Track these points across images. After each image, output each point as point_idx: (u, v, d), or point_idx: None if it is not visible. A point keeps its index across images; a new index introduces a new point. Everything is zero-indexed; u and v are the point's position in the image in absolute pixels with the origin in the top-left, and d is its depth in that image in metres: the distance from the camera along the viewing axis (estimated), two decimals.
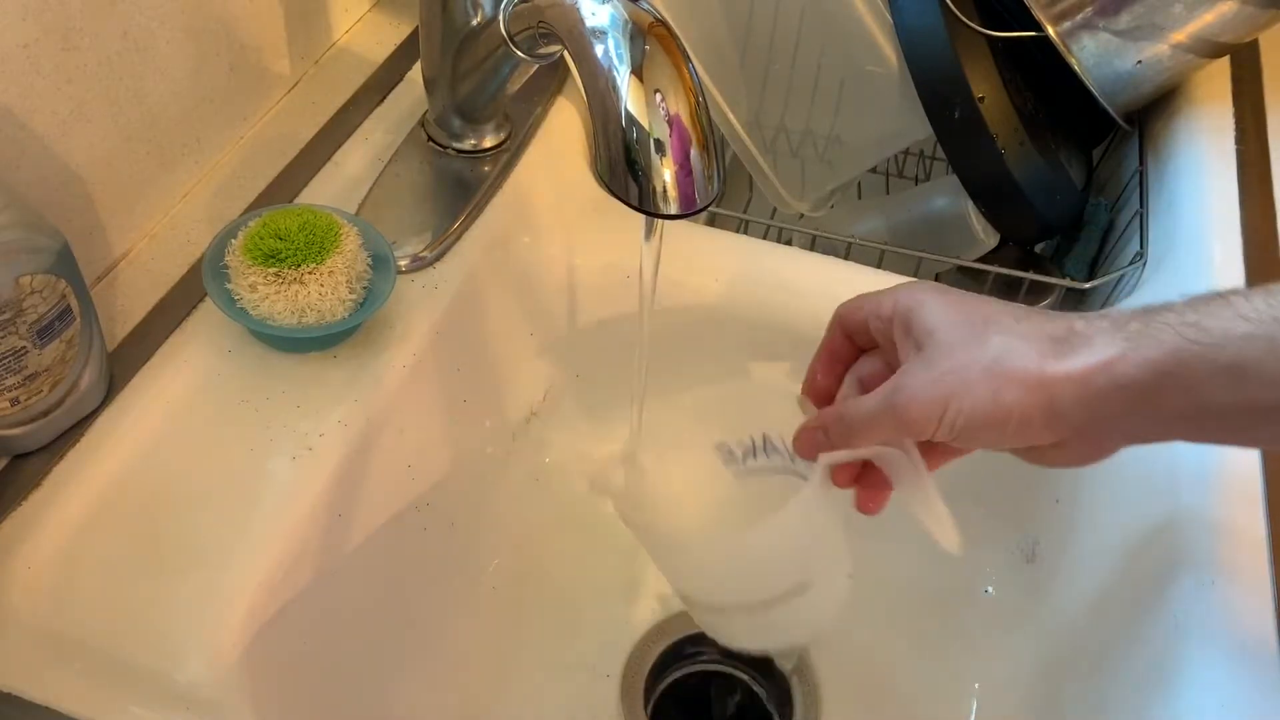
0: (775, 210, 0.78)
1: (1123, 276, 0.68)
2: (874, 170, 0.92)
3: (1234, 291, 0.38)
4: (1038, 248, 0.79)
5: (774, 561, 0.48)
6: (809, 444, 0.44)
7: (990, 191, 0.70)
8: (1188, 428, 0.39)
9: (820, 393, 0.47)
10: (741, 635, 0.53)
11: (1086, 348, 0.38)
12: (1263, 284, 0.38)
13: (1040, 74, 0.71)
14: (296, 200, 0.62)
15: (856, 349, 0.46)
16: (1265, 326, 0.36)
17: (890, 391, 0.41)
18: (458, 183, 0.65)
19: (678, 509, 0.51)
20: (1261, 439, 0.40)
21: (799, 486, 0.47)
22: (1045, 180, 0.69)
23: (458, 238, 0.62)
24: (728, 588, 0.50)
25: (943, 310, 0.41)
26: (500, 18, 0.55)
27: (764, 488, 0.50)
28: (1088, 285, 0.69)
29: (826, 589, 0.49)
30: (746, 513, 0.49)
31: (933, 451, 0.44)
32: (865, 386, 0.45)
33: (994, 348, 0.39)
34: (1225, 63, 0.75)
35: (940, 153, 0.77)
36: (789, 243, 0.77)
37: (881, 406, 0.41)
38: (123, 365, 0.53)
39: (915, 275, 0.68)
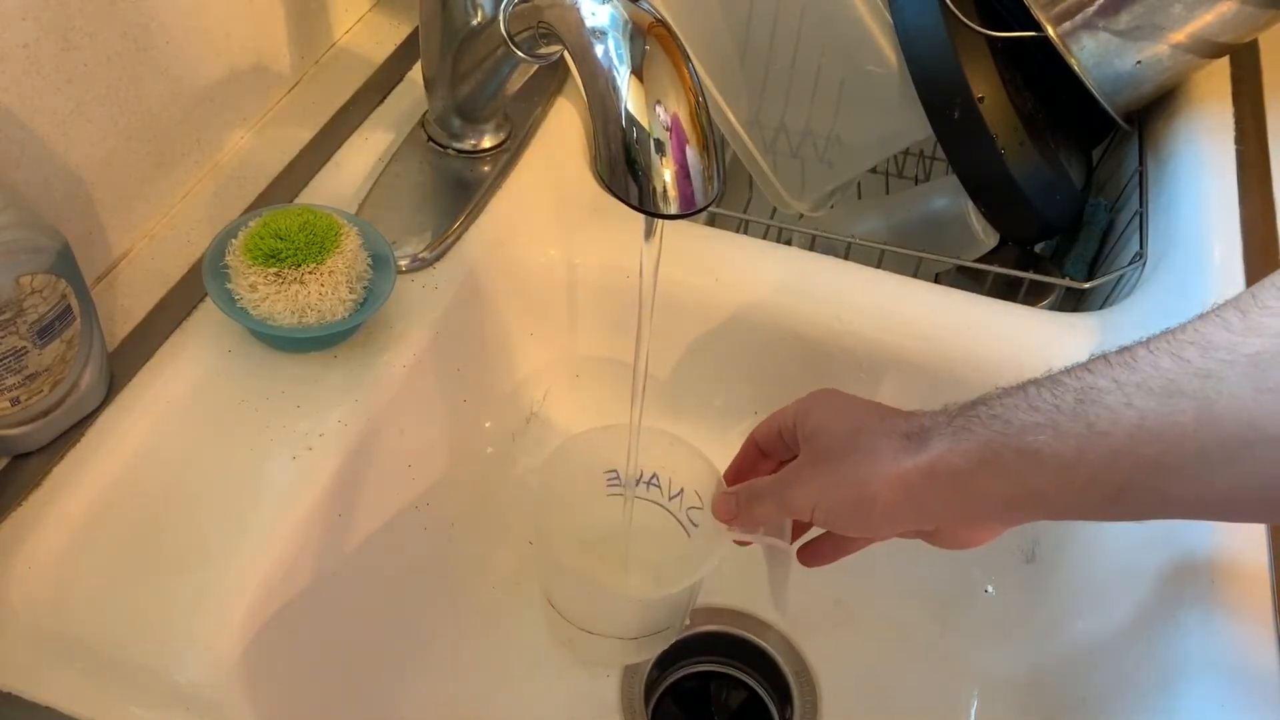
0: (775, 210, 0.79)
1: (1122, 276, 0.68)
2: (874, 170, 0.92)
3: (1032, 381, 0.43)
4: (1037, 248, 0.79)
5: (654, 616, 0.60)
6: (723, 507, 0.54)
7: (990, 191, 0.70)
8: (1030, 509, 0.43)
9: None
10: (601, 655, 0.65)
11: (929, 444, 0.44)
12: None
13: (1040, 74, 0.71)
14: (296, 200, 0.62)
15: (771, 462, 0.54)
16: (1048, 415, 0.41)
17: (780, 477, 0.50)
18: (458, 183, 0.65)
19: (568, 516, 0.60)
20: (1101, 516, 0.44)
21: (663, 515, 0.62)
22: (1045, 180, 0.69)
23: (458, 238, 0.62)
24: (609, 625, 0.61)
25: (824, 416, 0.49)
26: (500, 18, 0.55)
27: (636, 511, 0.62)
28: (1087, 285, 0.69)
29: (674, 631, 0.62)
30: (617, 528, 0.62)
31: (841, 541, 0.53)
32: None
33: (862, 448, 0.46)
34: (1225, 63, 0.75)
35: (940, 153, 0.77)
36: (789, 243, 0.77)
37: (772, 486, 0.50)
38: (123, 365, 0.53)
39: (915, 275, 0.68)
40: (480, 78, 0.61)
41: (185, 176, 0.61)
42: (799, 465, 0.49)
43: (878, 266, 0.67)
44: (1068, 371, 0.42)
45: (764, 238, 0.78)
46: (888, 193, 0.93)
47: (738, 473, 0.56)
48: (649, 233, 0.48)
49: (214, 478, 0.50)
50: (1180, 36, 0.68)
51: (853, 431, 0.47)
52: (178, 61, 0.58)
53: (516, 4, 0.53)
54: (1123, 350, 0.40)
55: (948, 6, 0.67)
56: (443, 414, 0.61)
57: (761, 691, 0.67)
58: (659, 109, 0.43)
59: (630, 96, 0.43)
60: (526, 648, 0.65)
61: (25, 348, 0.46)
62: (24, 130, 0.50)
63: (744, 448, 0.55)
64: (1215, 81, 0.74)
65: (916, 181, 0.92)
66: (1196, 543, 0.51)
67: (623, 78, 0.43)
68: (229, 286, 0.53)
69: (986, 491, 0.43)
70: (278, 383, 0.54)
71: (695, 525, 0.62)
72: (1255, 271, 0.61)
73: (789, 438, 0.51)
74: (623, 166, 0.43)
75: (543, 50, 0.55)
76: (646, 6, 0.44)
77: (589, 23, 0.45)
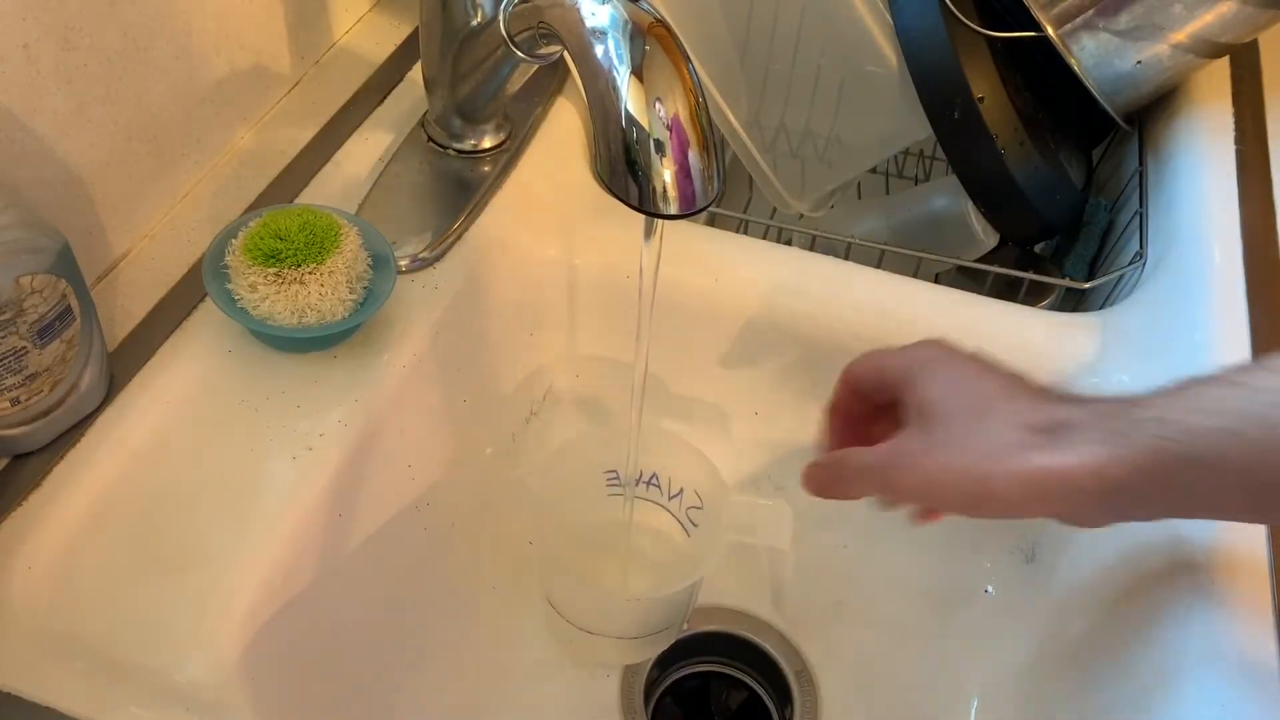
0: (775, 210, 0.78)
1: (1122, 276, 0.68)
2: (874, 170, 0.92)
3: (1193, 381, 0.40)
4: (1037, 248, 0.79)
5: (655, 616, 0.60)
6: (811, 479, 0.48)
7: (990, 192, 0.70)
8: (1188, 511, 0.41)
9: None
10: (601, 655, 0.65)
11: (1071, 445, 0.40)
12: (1260, 361, 0.40)
13: (1040, 74, 0.71)
14: (296, 200, 0.62)
15: (870, 406, 0.48)
16: (1231, 419, 0.38)
17: (886, 456, 0.44)
18: (458, 183, 0.65)
19: (568, 517, 0.61)
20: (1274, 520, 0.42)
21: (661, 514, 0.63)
22: (1045, 180, 0.69)
23: (458, 238, 0.62)
24: (609, 625, 0.61)
25: (939, 387, 0.43)
26: (500, 18, 0.55)
27: (636, 511, 0.62)
28: (1087, 285, 0.69)
29: (674, 630, 0.62)
30: (617, 528, 0.62)
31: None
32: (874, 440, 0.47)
33: (988, 436, 0.41)
34: (1225, 63, 0.75)
35: (940, 153, 0.77)
36: (789, 243, 0.77)
37: (877, 467, 0.44)
38: (123, 365, 0.53)
39: (915, 275, 0.68)
40: (480, 78, 0.61)
41: (185, 176, 0.61)
42: (906, 444, 0.44)
43: (878, 266, 0.67)
44: (1240, 371, 0.39)
45: (764, 238, 0.78)
46: (888, 193, 0.93)
47: (843, 423, 0.50)
48: (649, 233, 0.48)
49: (214, 477, 0.50)
50: (1180, 36, 0.68)
51: (973, 411, 0.42)
52: (178, 61, 0.58)
53: (516, 4, 0.53)
54: None
55: (948, 6, 0.67)
56: (443, 414, 0.61)
57: (761, 691, 0.67)
58: (659, 109, 0.43)
59: (630, 96, 0.43)
60: (526, 648, 0.65)
61: (25, 348, 0.46)
62: (24, 130, 0.50)
63: (840, 390, 0.49)
64: (1215, 81, 0.74)
65: (916, 181, 0.92)
66: (1197, 542, 0.51)
67: (623, 78, 0.43)
68: (229, 286, 0.53)
69: (1146, 499, 0.40)
70: (278, 383, 0.54)
71: (695, 525, 0.62)
72: (1255, 271, 0.61)
73: (891, 391, 0.46)
74: (623, 167, 0.43)
75: (543, 50, 0.55)
76: (646, 6, 0.44)
77: (589, 23, 0.45)
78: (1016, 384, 0.43)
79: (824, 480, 0.48)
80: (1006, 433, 0.41)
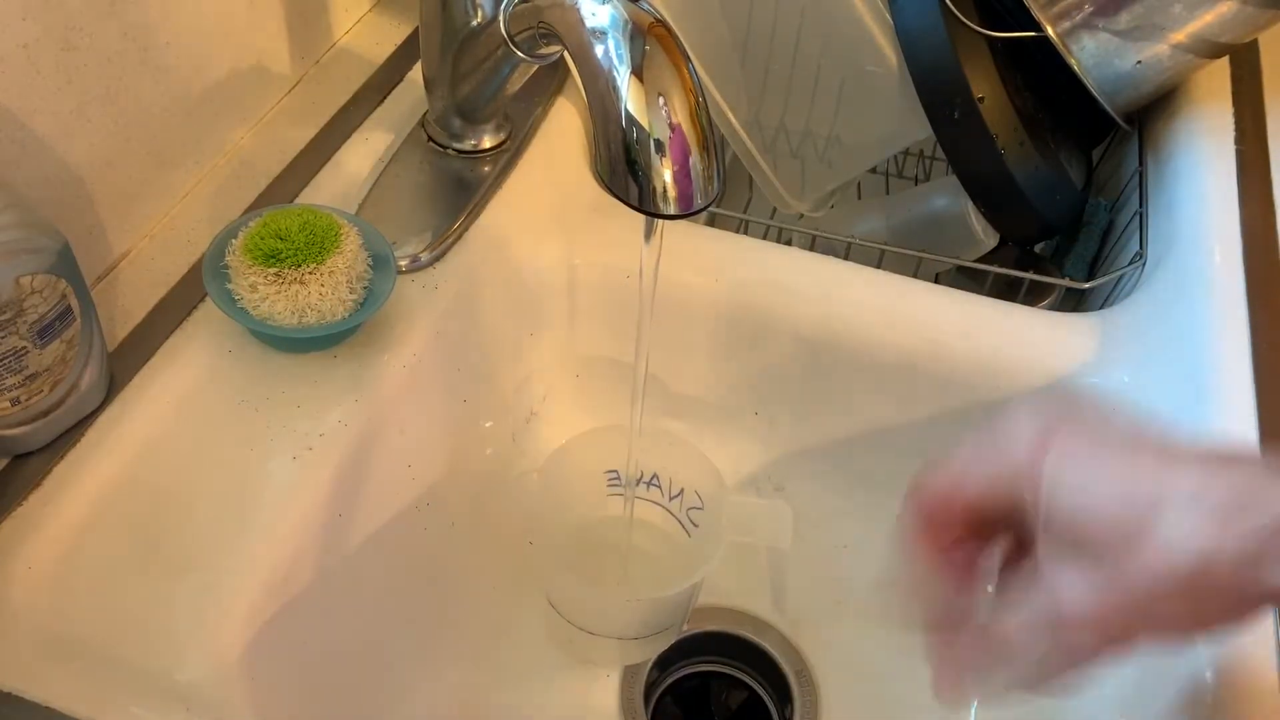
0: (775, 210, 0.79)
1: (1122, 277, 0.68)
2: (874, 170, 0.92)
3: None
4: (1037, 248, 0.79)
5: (655, 616, 0.60)
6: (950, 686, 0.38)
7: (990, 192, 0.70)
8: None
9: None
10: (601, 655, 0.65)
11: None
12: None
13: (1040, 74, 0.71)
14: (296, 200, 0.62)
15: (959, 527, 0.38)
16: None
17: (1054, 619, 0.34)
18: (458, 183, 0.65)
19: (568, 517, 0.62)
20: None
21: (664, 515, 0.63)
22: (1045, 180, 0.69)
23: (458, 238, 0.62)
24: (609, 626, 0.61)
25: (1092, 490, 0.33)
26: (500, 18, 0.55)
27: (636, 511, 0.63)
28: (1087, 285, 0.69)
29: (674, 631, 0.63)
30: (617, 528, 0.63)
31: None
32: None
33: (1178, 550, 0.31)
34: (1225, 63, 0.75)
35: (940, 153, 0.77)
36: (789, 243, 0.77)
37: (1048, 636, 0.34)
38: (123, 365, 0.53)
39: (915, 275, 0.68)
40: (480, 78, 0.61)
41: (185, 176, 0.61)
42: (1071, 584, 0.33)
43: (878, 266, 0.67)
44: None
45: (764, 238, 0.78)
46: (888, 193, 0.93)
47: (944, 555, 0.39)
48: (649, 233, 0.48)
49: (214, 478, 0.50)
50: (1180, 36, 0.68)
51: (1148, 513, 0.32)
52: (178, 61, 0.58)
53: (516, 4, 0.53)
54: None
55: (948, 6, 0.67)
56: (443, 414, 0.62)
57: (761, 691, 0.67)
58: (659, 109, 0.43)
59: (630, 96, 0.43)
60: (526, 648, 0.65)
61: (25, 348, 0.46)
62: (24, 130, 0.50)
63: (931, 529, 0.38)
64: (1215, 81, 0.74)
65: (916, 181, 0.92)
66: None
67: (623, 78, 0.43)
68: (229, 287, 0.53)
69: None
70: (278, 383, 0.54)
71: (695, 525, 0.62)
72: (1255, 271, 0.61)
73: (1011, 520, 0.36)
74: (623, 166, 0.43)
75: (543, 50, 0.55)
76: (646, 6, 0.45)
77: (589, 23, 0.45)
78: (1181, 452, 0.33)
79: (961, 677, 0.38)
80: (1211, 533, 0.31)
